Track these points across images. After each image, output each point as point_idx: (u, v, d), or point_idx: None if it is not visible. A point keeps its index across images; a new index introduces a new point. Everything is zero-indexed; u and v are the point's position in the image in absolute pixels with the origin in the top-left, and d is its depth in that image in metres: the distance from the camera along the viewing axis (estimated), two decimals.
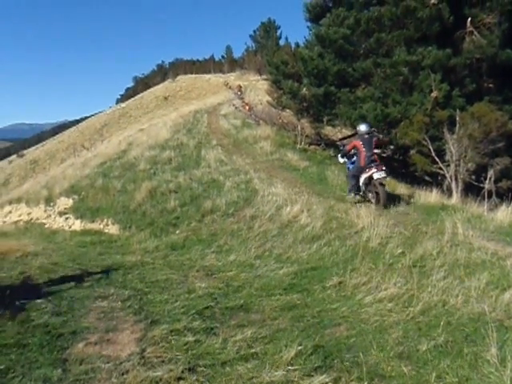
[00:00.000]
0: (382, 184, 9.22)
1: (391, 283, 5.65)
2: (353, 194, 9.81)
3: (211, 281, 6.52)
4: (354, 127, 11.75)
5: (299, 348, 4.10)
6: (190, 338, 4.50)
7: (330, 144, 17.00)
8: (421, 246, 6.96)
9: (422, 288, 5.51)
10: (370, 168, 9.30)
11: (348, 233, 7.95)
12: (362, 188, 9.68)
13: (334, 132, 18.90)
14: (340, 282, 6.05)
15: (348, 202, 9.65)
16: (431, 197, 10.43)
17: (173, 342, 4.48)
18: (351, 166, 10.13)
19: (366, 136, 9.60)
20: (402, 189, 11.76)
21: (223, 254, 7.93)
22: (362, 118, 13.31)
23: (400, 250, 6.88)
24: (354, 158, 9.96)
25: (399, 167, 16.95)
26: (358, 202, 9.62)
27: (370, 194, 9.63)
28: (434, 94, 11.98)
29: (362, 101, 13.84)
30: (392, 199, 9.72)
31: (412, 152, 13.63)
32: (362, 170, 9.51)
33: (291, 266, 6.89)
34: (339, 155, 10.53)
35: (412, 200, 10.31)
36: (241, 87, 40.38)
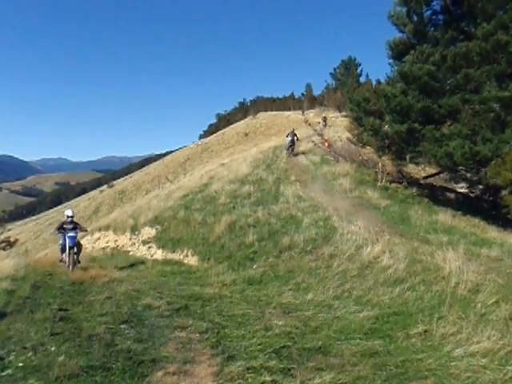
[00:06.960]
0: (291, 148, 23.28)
1: (484, 336, 5.19)
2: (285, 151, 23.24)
3: (288, 319, 6.42)
4: (440, 165, 11.75)
5: None
6: (267, 378, 4.42)
7: (413, 182, 16.38)
8: None
9: None
10: (291, 146, 23.02)
11: (434, 277, 7.48)
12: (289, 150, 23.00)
13: (416, 170, 18.25)
14: (425, 331, 5.68)
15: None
16: None
17: (249, 379, 4.43)
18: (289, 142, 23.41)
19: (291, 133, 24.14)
20: (492, 232, 10.99)
21: (301, 292, 7.81)
22: (449, 156, 12.80)
23: (493, 300, 6.32)
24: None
25: (489, 209, 15.92)
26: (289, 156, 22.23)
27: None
28: None
29: (448, 138, 13.31)
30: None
31: (504, 193, 12.89)
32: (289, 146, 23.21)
33: (372, 310, 6.61)
34: None
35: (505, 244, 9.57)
36: (326, 118, 38.86)
